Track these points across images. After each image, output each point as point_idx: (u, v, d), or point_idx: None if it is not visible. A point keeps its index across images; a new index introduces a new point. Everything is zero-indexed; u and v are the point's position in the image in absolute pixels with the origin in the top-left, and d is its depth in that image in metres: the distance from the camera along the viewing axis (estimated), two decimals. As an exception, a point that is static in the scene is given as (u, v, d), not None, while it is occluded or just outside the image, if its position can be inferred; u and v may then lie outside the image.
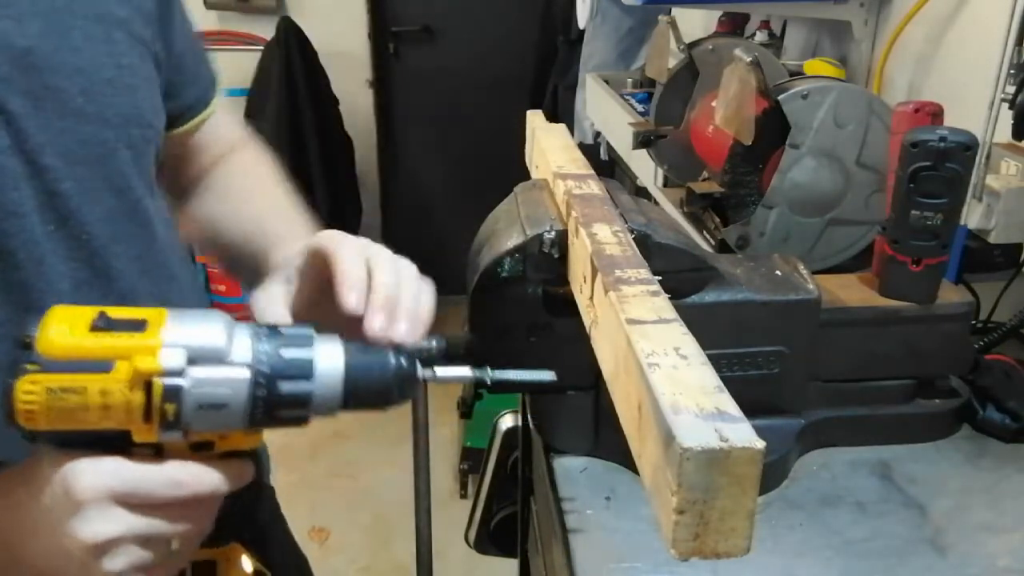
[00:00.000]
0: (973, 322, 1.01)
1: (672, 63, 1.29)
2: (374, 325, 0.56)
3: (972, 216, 0.99)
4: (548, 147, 0.88)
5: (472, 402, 2.48)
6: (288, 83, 3.01)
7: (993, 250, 1.06)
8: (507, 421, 1.56)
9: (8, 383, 0.47)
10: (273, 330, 0.53)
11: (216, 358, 0.50)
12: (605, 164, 2.24)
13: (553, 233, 0.73)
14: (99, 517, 0.49)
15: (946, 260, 0.83)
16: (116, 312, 0.50)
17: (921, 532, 0.76)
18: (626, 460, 0.81)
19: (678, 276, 0.75)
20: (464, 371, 0.60)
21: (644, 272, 0.59)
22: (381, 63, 3.53)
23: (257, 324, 0.53)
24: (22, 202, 0.59)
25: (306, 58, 3.07)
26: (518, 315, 0.77)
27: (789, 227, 1.08)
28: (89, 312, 0.50)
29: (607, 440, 0.83)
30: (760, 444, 0.40)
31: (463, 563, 2.05)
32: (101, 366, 0.48)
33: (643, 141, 1.33)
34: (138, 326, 0.50)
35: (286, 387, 0.51)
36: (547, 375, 0.63)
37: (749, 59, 1.02)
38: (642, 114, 1.61)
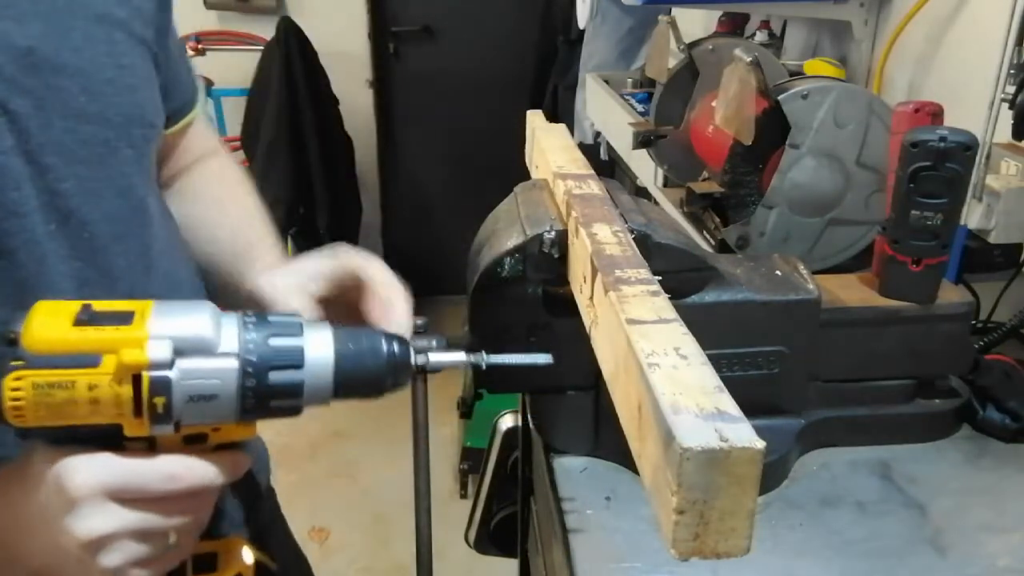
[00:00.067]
0: (973, 322, 1.01)
1: (672, 63, 1.29)
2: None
3: (972, 216, 0.99)
4: (548, 147, 0.88)
5: (472, 402, 2.48)
6: (288, 83, 3.01)
7: (993, 250, 1.06)
8: (507, 421, 1.56)
9: None
10: (261, 318, 0.52)
11: (204, 349, 0.49)
12: (605, 164, 2.24)
13: (553, 233, 0.73)
14: (94, 513, 0.49)
15: (946, 260, 0.83)
16: (101, 305, 0.50)
17: (921, 532, 0.76)
18: (626, 460, 0.81)
19: (678, 276, 0.75)
20: (459, 356, 0.60)
21: (644, 272, 0.59)
22: (381, 63, 3.53)
23: (245, 313, 0.52)
24: (24, 202, 0.59)
25: (306, 58, 3.07)
26: (518, 315, 0.77)
27: (789, 227, 1.08)
28: (74, 306, 0.49)
29: (607, 440, 0.83)
30: (760, 444, 0.40)
31: (463, 563, 2.05)
32: (88, 360, 0.47)
33: (643, 141, 1.33)
34: (123, 318, 0.49)
35: (276, 377, 0.50)
36: (543, 358, 0.63)
37: (749, 59, 1.02)
38: (642, 114, 1.61)
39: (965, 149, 0.77)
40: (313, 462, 2.76)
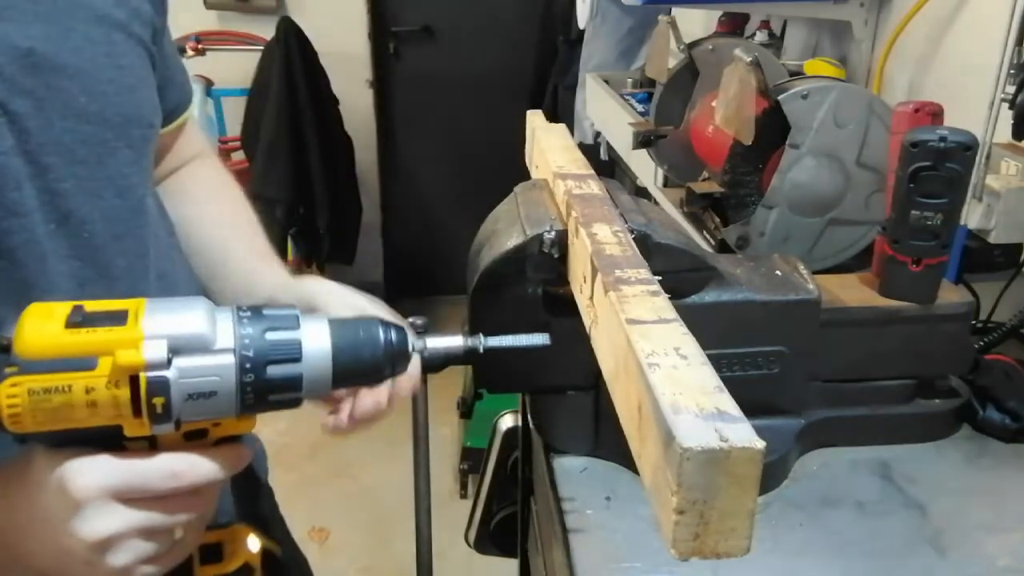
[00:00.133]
0: (973, 322, 1.01)
1: (672, 63, 1.29)
2: None
3: (972, 216, 0.99)
4: (548, 147, 0.88)
5: (472, 402, 2.48)
6: (288, 83, 3.01)
7: (993, 250, 1.06)
8: (507, 421, 1.56)
9: None
10: (256, 312, 0.52)
11: (200, 346, 0.48)
12: (605, 164, 2.24)
13: (553, 233, 0.73)
14: (99, 515, 0.49)
15: (946, 260, 0.83)
16: (93, 305, 0.49)
17: (921, 532, 0.76)
18: (626, 460, 0.81)
19: (678, 276, 0.75)
20: (456, 340, 0.60)
21: (644, 272, 0.59)
22: (381, 63, 3.53)
23: (240, 307, 0.52)
24: (24, 202, 0.59)
25: (306, 58, 3.06)
26: (518, 315, 0.77)
27: (789, 227, 1.08)
28: (65, 308, 0.48)
29: (607, 440, 0.83)
30: (760, 444, 0.40)
31: (463, 563, 2.05)
32: (84, 363, 0.47)
33: (643, 141, 1.33)
34: (117, 318, 0.48)
35: (274, 371, 0.50)
36: (541, 338, 0.63)
37: (749, 59, 1.02)
38: (642, 114, 1.61)
39: (965, 149, 0.77)
40: (313, 462, 2.76)
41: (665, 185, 1.47)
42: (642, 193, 1.61)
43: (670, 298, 0.55)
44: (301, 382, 0.51)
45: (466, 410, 2.47)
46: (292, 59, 3.01)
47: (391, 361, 0.55)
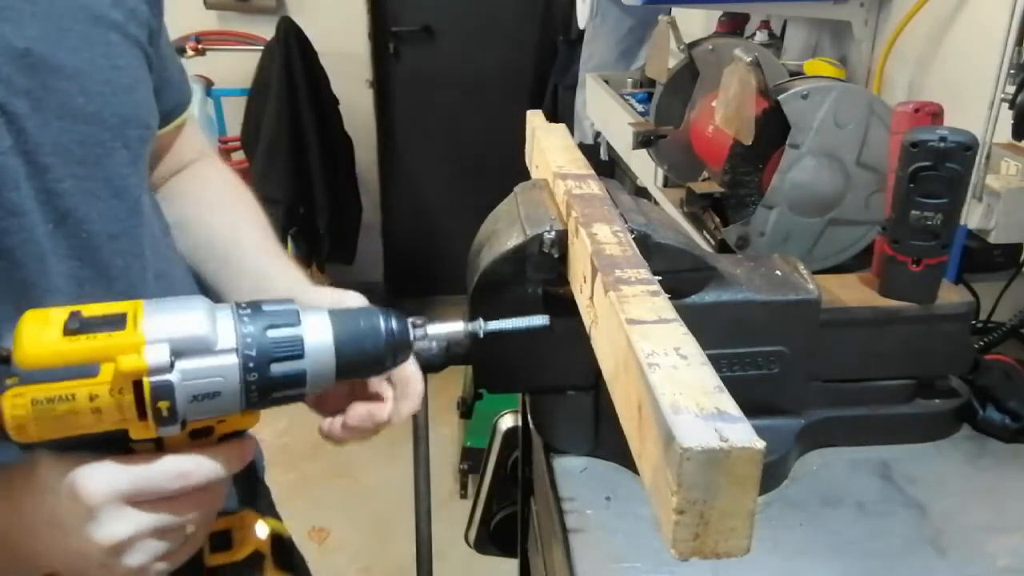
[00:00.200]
0: (973, 322, 1.01)
1: (672, 63, 1.29)
2: None
3: (972, 216, 0.99)
4: (548, 147, 0.88)
5: (472, 402, 2.48)
6: (288, 83, 3.01)
7: (993, 250, 1.06)
8: (507, 421, 1.56)
9: None
10: (256, 309, 0.51)
11: (202, 347, 0.48)
12: (605, 164, 2.24)
13: (553, 233, 0.73)
14: (112, 520, 0.49)
15: (946, 260, 0.83)
16: (90, 309, 0.48)
17: (921, 532, 0.76)
18: (626, 460, 0.81)
19: (678, 276, 0.75)
20: (457, 325, 0.60)
21: (644, 272, 0.59)
22: (381, 63, 3.53)
23: (238, 304, 0.51)
24: (22, 201, 0.59)
25: (306, 58, 3.06)
26: (518, 315, 0.77)
27: (789, 227, 1.08)
28: (62, 313, 0.48)
29: (607, 440, 0.83)
30: (760, 444, 0.40)
31: (463, 563, 2.05)
32: (85, 370, 0.46)
33: (643, 141, 1.33)
34: (115, 322, 0.48)
35: (278, 369, 0.50)
36: (541, 320, 0.63)
37: (749, 59, 1.02)
38: (642, 114, 1.61)
39: (965, 149, 0.77)
40: (313, 462, 2.75)
41: (665, 185, 1.47)
42: (642, 193, 1.61)
43: (670, 298, 0.55)
44: (305, 377, 0.51)
45: (466, 410, 2.47)
46: (292, 59, 3.01)
47: (393, 351, 0.55)
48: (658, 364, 0.46)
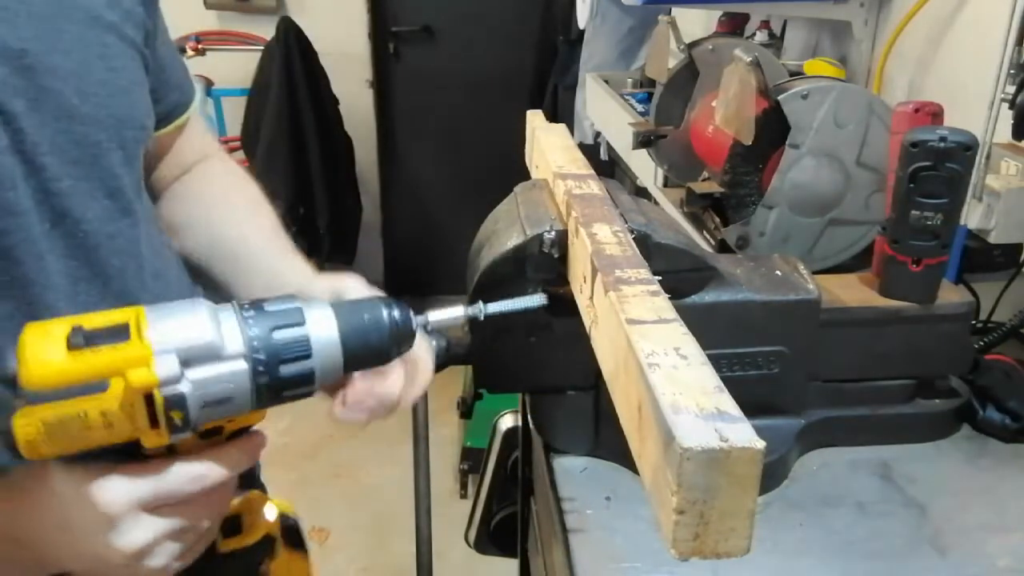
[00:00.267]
0: (973, 322, 1.01)
1: (672, 63, 1.29)
2: None
3: (972, 216, 0.99)
4: (548, 147, 0.88)
5: (472, 402, 2.48)
6: (288, 83, 3.01)
7: (993, 250, 1.06)
8: (507, 421, 1.56)
9: (5, 423, 0.45)
10: (259, 309, 0.51)
11: (210, 354, 0.48)
12: (605, 164, 2.24)
13: (553, 233, 0.73)
14: (133, 528, 0.50)
15: (946, 260, 0.83)
16: (91, 321, 0.47)
17: (921, 532, 0.76)
18: (626, 460, 0.81)
19: (678, 276, 0.75)
20: (457, 311, 0.60)
21: (644, 272, 0.59)
22: (381, 63, 3.53)
23: (239, 304, 0.51)
24: (20, 201, 0.60)
25: (306, 58, 3.07)
26: (518, 315, 0.77)
27: (789, 227, 1.08)
28: (63, 327, 0.46)
29: (607, 440, 0.83)
30: (760, 444, 0.40)
31: (463, 563, 2.05)
32: (94, 386, 0.46)
33: (643, 141, 1.33)
34: (118, 334, 0.47)
35: (287, 370, 0.50)
36: (539, 299, 0.63)
37: (749, 59, 1.02)
38: (642, 114, 1.61)
39: (965, 149, 0.77)
40: (313, 462, 2.75)
41: (665, 185, 1.47)
42: (642, 193, 1.61)
43: (670, 298, 0.55)
44: (314, 376, 0.51)
45: (466, 410, 2.47)
46: (292, 59, 3.01)
47: (397, 341, 0.55)
48: (658, 364, 0.46)
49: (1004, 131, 0.97)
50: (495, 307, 0.61)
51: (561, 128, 0.97)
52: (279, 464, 2.59)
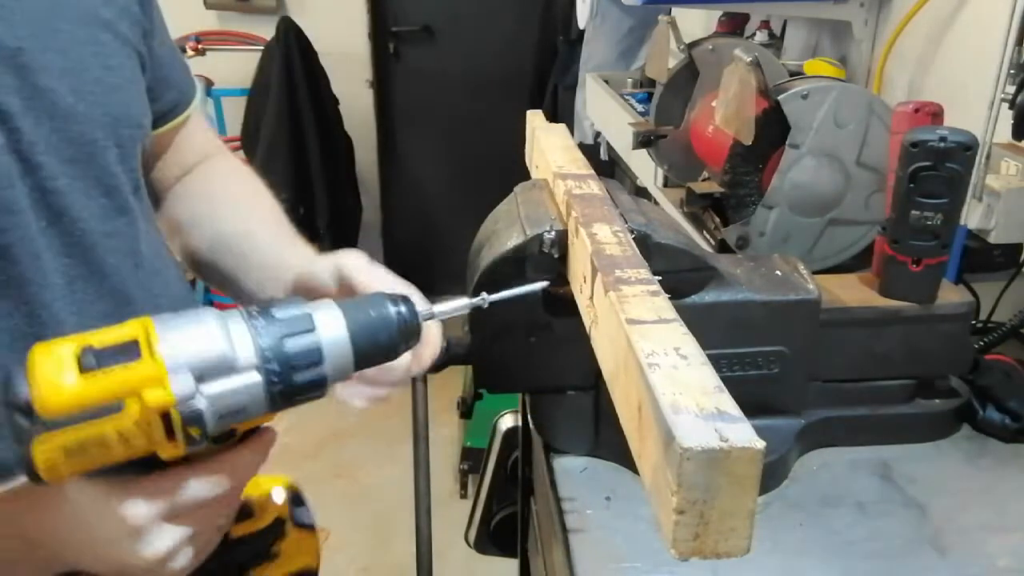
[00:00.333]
0: (973, 322, 1.01)
1: (672, 63, 1.29)
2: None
3: (972, 216, 0.99)
4: (548, 147, 0.88)
5: (472, 402, 2.48)
6: (288, 83, 3.01)
7: (993, 250, 1.06)
8: (507, 421, 1.56)
9: (26, 452, 0.45)
10: (267, 316, 0.50)
11: (224, 368, 0.47)
12: (605, 164, 2.24)
13: (553, 233, 0.73)
14: (156, 538, 0.52)
15: (946, 260, 0.83)
16: (100, 339, 0.46)
17: (921, 532, 0.76)
18: (626, 460, 0.81)
19: (678, 276, 0.75)
20: (462, 302, 0.60)
21: (644, 272, 0.59)
22: (381, 63, 3.53)
23: (247, 310, 0.50)
24: (17, 199, 0.60)
25: (306, 58, 3.07)
26: (518, 315, 0.77)
27: (789, 227, 1.08)
28: (71, 347, 0.46)
29: (607, 440, 0.83)
30: (760, 444, 0.40)
31: (463, 563, 2.05)
32: (110, 408, 0.45)
33: (643, 141, 1.33)
34: (130, 352, 0.46)
35: (300, 377, 0.50)
36: (539, 284, 0.64)
37: (749, 59, 1.02)
38: (642, 114, 1.61)
39: (965, 149, 0.77)
40: (314, 461, 2.76)
41: (665, 185, 1.47)
42: (642, 193, 1.61)
43: (670, 298, 0.55)
44: (326, 380, 0.51)
45: (466, 410, 2.47)
46: (292, 59, 3.02)
47: (405, 337, 0.55)
48: (658, 364, 0.46)
49: (1004, 131, 0.97)
50: (498, 295, 0.61)
51: (561, 128, 0.97)
52: (279, 464, 2.58)
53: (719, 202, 1.11)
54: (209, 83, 3.22)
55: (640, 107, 1.69)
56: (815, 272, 0.83)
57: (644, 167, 1.57)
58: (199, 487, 0.52)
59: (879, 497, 0.80)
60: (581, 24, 2.66)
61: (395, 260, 3.80)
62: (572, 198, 0.73)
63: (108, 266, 0.67)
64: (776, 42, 1.67)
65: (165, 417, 0.46)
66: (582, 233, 0.66)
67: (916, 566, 0.72)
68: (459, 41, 3.54)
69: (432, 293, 0.64)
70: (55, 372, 0.44)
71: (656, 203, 1.47)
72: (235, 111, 3.22)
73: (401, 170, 3.73)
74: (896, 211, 0.82)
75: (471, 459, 2.49)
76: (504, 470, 1.56)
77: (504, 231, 0.77)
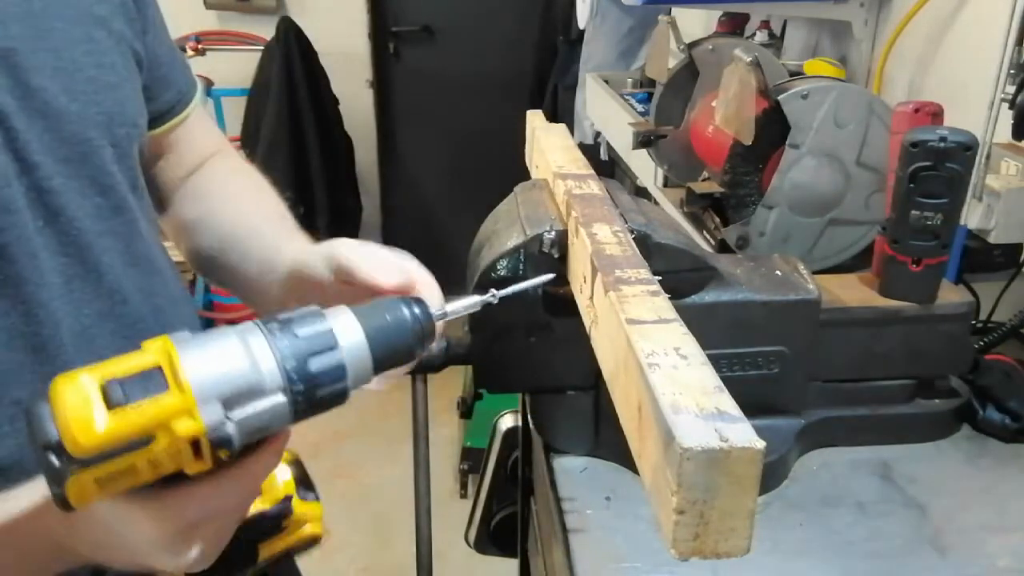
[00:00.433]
0: (973, 322, 1.01)
1: (672, 63, 1.29)
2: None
3: (972, 216, 0.99)
4: (548, 147, 0.88)
5: (472, 402, 2.48)
6: (288, 83, 3.01)
7: (993, 250, 1.06)
8: (507, 421, 1.56)
9: (60, 491, 0.45)
10: (289, 332, 0.49)
11: (251, 393, 0.47)
12: (605, 164, 2.24)
13: (553, 233, 0.73)
14: (185, 547, 0.52)
15: (946, 260, 0.83)
16: (123, 368, 0.46)
17: (921, 532, 0.76)
18: (626, 460, 0.81)
19: (678, 276, 0.75)
20: (472, 299, 0.60)
21: (644, 272, 0.59)
22: (381, 63, 3.53)
23: (266, 325, 0.50)
24: (13, 198, 0.60)
25: (306, 58, 3.07)
26: (518, 315, 0.77)
27: (789, 227, 1.08)
28: (94, 379, 0.45)
29: (607, 440, 0.83)
30: (760, 444, 0.40)
31: (463, 563, 2.05)
32: (140, 441, 0.45)
33: (643, 141, 1.33)
34: (155, 380, 0.45)
35: (323, 392, 0.50)
36: (546, 277, 0.65)
37: (749, 59, 1.02)
38: (642, 114, 1.61)
39: (965, 149, 0.77)
40: (314, 462, 2.73)
41: (665, 185, 1.48)
42: (642, 193, 1.61)
43: (670, 298, 0.55)
44: (347, 392, 0.51)
45: (466, 410, 2.47)
46: (292, 59, 3.02)
47: (420, 340, 0.55)
48: (658, 364, 0.46)
49: (1004, 131, 0.97)
50: (507, 290, 0.62)
51: (561, 128, 0.97)
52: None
53: (719, 202, 1.11)
54: (209, 83, 3.22)
55: (640, 107, 1.69)
56: (815, 272, 0.83)
57: (644, 167, 1.57)
58: (226, 496, 0.52)
59: (879, 497, 0.80)
60: (581, 24, 2.66)
61: (395, 260, 3.79)
62: (572, 198, 0.73)
63: (104, 265, 0.67)
64: (776, 42, 1.67)
65: (194, 443, 0.46)
66: (582, 233, 0.66)
67: (916, 566, 0.72)
68: (459, 41, 3.54)
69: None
70: (84, 409, 0.44)
71: (656, 203, 1.47)
72: (235, 111, 3.22)
73: (401, 170, 3.73)
74: (896, 211, 0.82)
75: (471, 459, 2.49)
76: (504, 470, 1.56)
77: (504, 231, 0.77)
